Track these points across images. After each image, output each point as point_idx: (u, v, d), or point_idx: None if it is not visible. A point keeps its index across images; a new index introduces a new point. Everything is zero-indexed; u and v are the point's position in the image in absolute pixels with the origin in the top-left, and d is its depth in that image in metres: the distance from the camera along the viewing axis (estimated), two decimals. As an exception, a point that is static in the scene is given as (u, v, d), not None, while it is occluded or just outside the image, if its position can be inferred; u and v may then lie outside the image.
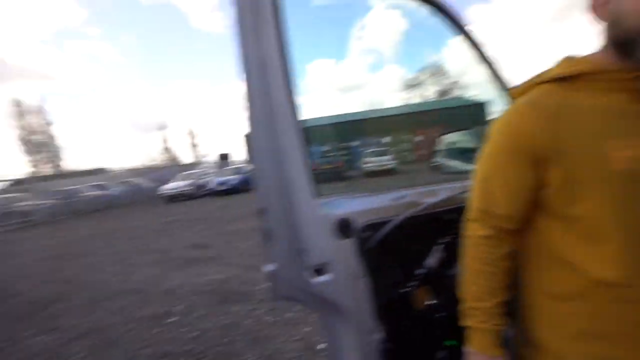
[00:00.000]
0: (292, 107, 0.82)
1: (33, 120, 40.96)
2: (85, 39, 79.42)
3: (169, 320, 2.96)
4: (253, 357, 2.31)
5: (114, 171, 24.54)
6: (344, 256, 0.86)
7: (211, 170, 19.09)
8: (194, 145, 56.40)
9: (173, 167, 24.92)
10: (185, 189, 14.98)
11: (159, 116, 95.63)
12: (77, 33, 77.65)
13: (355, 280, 0.87)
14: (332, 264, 0.84)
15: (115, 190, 17.78)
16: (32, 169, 37.08)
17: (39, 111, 41.74)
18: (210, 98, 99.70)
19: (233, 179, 15.24)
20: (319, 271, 0.82)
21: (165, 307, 3.27)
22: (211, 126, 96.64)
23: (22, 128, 40.06)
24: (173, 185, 15.45)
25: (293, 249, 0.82)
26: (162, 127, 54.37)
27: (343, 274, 0.85)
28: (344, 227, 0.86)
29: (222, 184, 15.07)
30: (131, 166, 31.51)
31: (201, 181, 16.15)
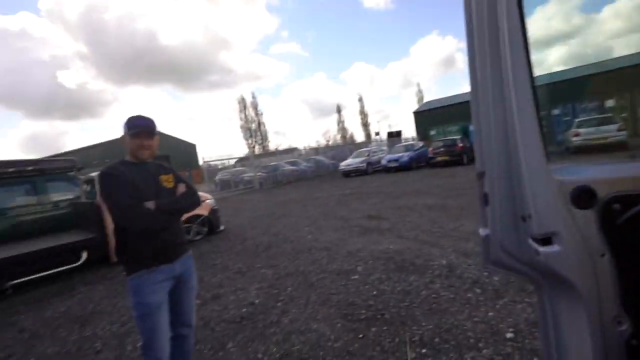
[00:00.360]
0: (526, 62, 0.74)
1: (250, 113, 53.87)
2: (279, 42, 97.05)
3: (353, 277, 3.38)
4: (430, 326, 2.34)
5: (302, 150, 29.36)
6: (580, 228, 0.73)
7: (383, 148, 19.79)
8: (366, 125, 59.67)
9: (348, 146, 27.38)
10: (359, 165, 16.23)
11: (335, 100, 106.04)
12: (273, 38, 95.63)
13: (593, 257, 0.73)
14: (563, 234, 0.72)
15: (303, 166, 21.36)
16: (248, 150, 49.41)
17: (254, 105, 54.35)
18: (379, 79, 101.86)
19: (403, 156, 15.29)
20: (544, 240, 0.73)
21: (348, 265, 3.75)
22: (380, 106, 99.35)
23: (243, 119, 53.57)
24: (349, 162, 17.05)
25: (515, 214, 0.76)
26: (338, 110, 60.06)
27: (577, 247, 0.72)
28: (585, 197, 0.72)
29: (392, 160, 15.39)
30: (315, 145, 36.88)
31: (373, 158, 17.05)
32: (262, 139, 53.86)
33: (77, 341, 2.86)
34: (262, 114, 54.10)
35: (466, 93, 36.03)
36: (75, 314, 3.46)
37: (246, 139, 53.37)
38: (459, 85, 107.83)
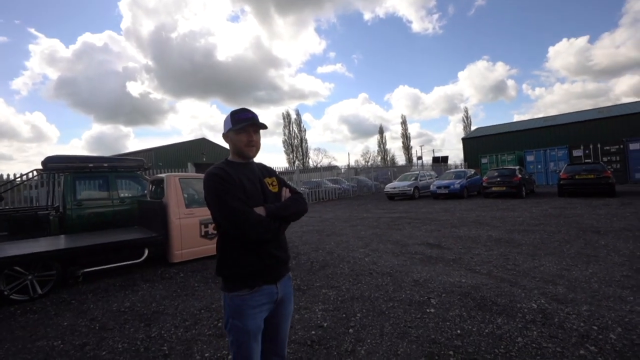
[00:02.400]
0: None
1: (293, 129, 55.31)
2: (326, 63, 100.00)
3: (428, 311, 3.07)
4: (543, 385, 1.97)
5: (342, 169, 29.23)
6: None
7: (428, 173, 19.09)
8: (407, 148, 58.56)
9: (391, 168, 26.83)
10: (406, 189, 15.70)
11: (377, 121, 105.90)
12: (320, 59, 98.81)
13: None
14: None
15: (345, 184, 21.19)
16: (287, 164, 50.38)
17: (297, 122, 55.79)
18: (425, 101, 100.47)
19: (454, 182, 14.56)
20: None
21: (419, 296, 3.43)
22: (422, 130, 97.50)
23: (287, 134, 55.05)
24: (395, 184, 16.58)
25: None
26: (380, 131, 59.74)
27: None
28: None
29: (442, 187, 14.71)
30: (354, 164, 36.69)
31: (421, 183, 16.45)
32: (302, 155, 54.93)
33: (145, 341, 2.83)
34: (305, 131, 55.46)
35: (521, 121, 33.96)
36: (140, 311, 3.48)
37: (288, 154, 54.71)
38: (507, 112, 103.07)
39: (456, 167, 31.54)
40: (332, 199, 19.03)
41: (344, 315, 3.10)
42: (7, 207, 7.70)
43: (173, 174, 5.62)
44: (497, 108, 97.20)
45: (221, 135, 1.60)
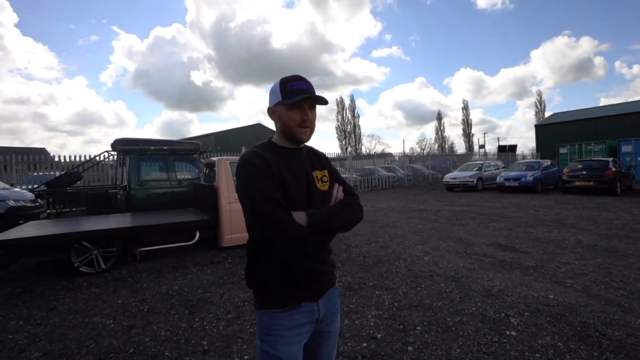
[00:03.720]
0: None
1: (347, 114, 54.47)
2: (381, 46, 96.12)
3: (508, 334, 2.49)
4: None
5: (396, 156, 27.91)
6: None
7: (494, 163, 17.25)
8: (468, 136, 54.33)
9: (451, 157, 24.95)
10: (468, 180, 14.35)
11: (434, 107, 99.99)
12: (376, 42, 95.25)
13: None
14: None
15: (400, 173, 20.17)
16: (340, 151, 49.90)
17: (351, 108, 54.78)
18: (490, 85, 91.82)
19: (526, 174, 12.90)
20: None
21: (494, 311, 2.84)
22: (485, 116, 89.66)
23: (340, 120, 54.43)
24: (455, 175, 15.27)
25: None
26: (439, 117, 56.13)
27: None
28: None
29: (511, 179, 13.14)
30: (409, 152, 35.00)
31: (486, 173, 14.92)
32: (356, 142, 53.97)
33: (187, 331, 2.71)
34: (358, 117, 54.31)
35: (613, 105, 29.27)
36: (187, 297, 3.42)
37: (340, 140, 54.21)
38: (592, 96, 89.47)
39: (524, 157, 28.30)
40: (386, 188, 18.27)
41: (400, 326, 2.66)
42: (86, 185, 8.49)
43: (224, 157, 5.58)
44: (578, 91, 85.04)
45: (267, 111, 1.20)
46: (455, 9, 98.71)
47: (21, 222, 5.79)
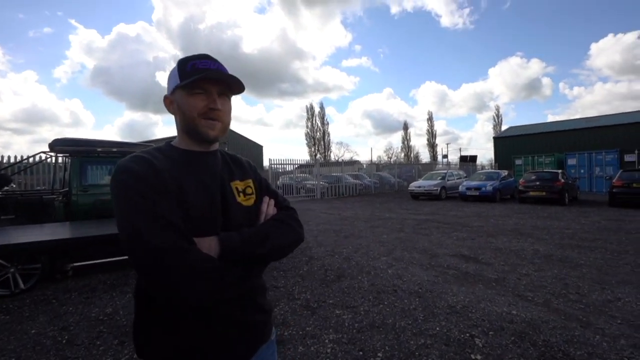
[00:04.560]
0: None
1: (316, 122, 54.70)
2: (351, 56, 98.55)
3: (473, 358, 2.32)
4: None
5: (364, 164, 28.26)
6: None
7: (456, 172, 17.88)
8: (432, 146, 56.57)
9: (416, 166, 25.64)
10: (432, 188, 14.69)
11: (401, 117, 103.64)
12: (346, 52, 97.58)
13: None
14: None
15: (367, 181, 20.32)
16: (309, 157, 49.84)
17: (321, 115, 55.12)
18: (452, 98, 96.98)
19: (486, 184, 13.43)
20: None
21: (458, 331, 2.69)
22: (448, 127, 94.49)
23: (309, 127, 54.53)
24: (420, 183, 15.59)
25: None
26: (405, 127, 57.95)
27: None
28: None
29: (472, 188, 13.61)
30: (376, 160, 35.64)
31: (449, 183, 15.37)
32: (324, 149, 54.16)
33: (111, 367, 2.28)
34: (328, 124, 54.70)
35: (561, 121, 31.76)
36: (119, 322, 2.95)
37: (309, 147, 54.16)
38: (541, 112, 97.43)
39: (483, 167, 29.81)
40: (353, 195, 18.28)
41: (360, 352, 2.41)
42: (15, 190, 7.52)
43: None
44: (529, 107, 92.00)
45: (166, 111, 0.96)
46: (420, 25, 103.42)
47: None
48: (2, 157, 9.92)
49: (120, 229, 0.70)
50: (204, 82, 0.79)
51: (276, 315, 3.03)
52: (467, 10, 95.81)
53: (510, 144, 28.56)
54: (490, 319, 2.89)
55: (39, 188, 9.13)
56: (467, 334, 2.64)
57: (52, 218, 5.74)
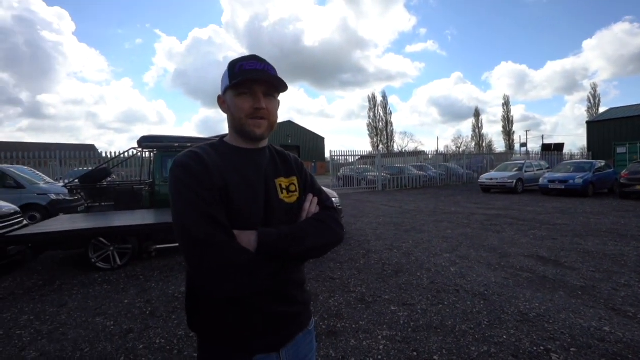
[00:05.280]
0: None
1: (379, 111, 53.37)
2: (416, 41, 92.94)
3: (547, 373, 2.05)
4: None
5: (429, 154, 26.76)
6: None
7: (536, 163, 15.88)
8: (509, 134, 51.11)
9: (488, 156, 23.47)
10: (507, 181, 13.30)
11: (471, 103, 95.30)
12: (410, 37, 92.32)
13: None
14: None
15: (432, 172, 19.25)
16: (372, 148, 48.96)
17: (383, 104, 53.60)
18: (534, 79, 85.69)
19: (575, 176, 11.70)
20: None
21: (530, 343, 2.40)
22: (527, 113, 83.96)
23: (372, 117, 53.46)
24: (492, 175, 14.23)
25: None
26: (476, 114, 53.35)
27: None
28: None
29: (557, 181, 11.97)
30: (443, 150, 33.51)
31: (527, 174, 13.76)
32: (387, 139, 52.69)
33: (182, 340, 2.55)
34: (391, 114, 53.11)
35: (685, 100, 26.06)
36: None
37: (372, 138, 53.26)
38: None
39: (572, 157, 25.91)
40: (416, 187, 17.52)
41: (414, 353, 2.30)
42: (114, 181, 8.83)
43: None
44: (638, 84, 76.77)
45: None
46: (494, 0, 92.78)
47: (61, 214, 6.09)
48: (105, 152, 11.79)
49: (173, 220, 0.77)
50: (250, 83, 0.82)
51: (330, 307, 3.07)
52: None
53: (611, 128, 24.25)
54: (572, 333, 2.52)
55: (132, 179, 10.63)
56: (542, 347, 2.34)
57: (141, 205, 6.62)
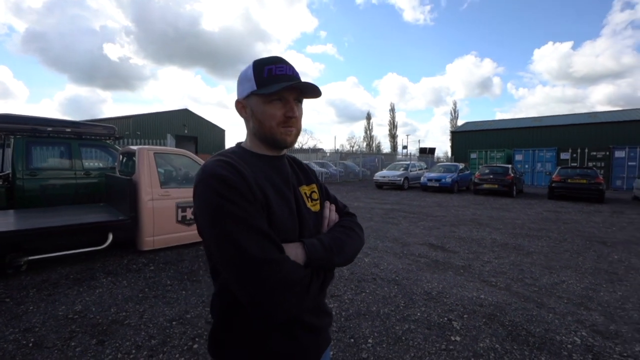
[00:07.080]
0: None
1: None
2: (316, 42, 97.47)
3: (453, 339, 2.53)
4: None
5: (327, 152, 28.49)
6: None
7: (417, 164, 18.73)
8: (393, 137, 58.40)
9: (379, 156, 26.40)
10: (396, 179, 15.28)
11: (363, 107, 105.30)
12: (311, 37, 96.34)
13: None
14: None
15: (332, 169, 20.57)
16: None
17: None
18: (412, 91, 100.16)
19: (446, 176, 14.25)
20: None
21: (437, 316, 2.90)
22: (407, 119, 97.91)
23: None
24: (385, 174, 16.12)
25: None
26: (368, 117, 59.07)
27: None
28: None
29: (433, 180, 14.36)
30: (339, 149, 36.13)
31: (411, 173, 16.06)
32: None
33: (94, 368, 2.15)
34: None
35: (511, 119, 34.16)
36: (94, 320, 2.77)
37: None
38: (491, 109, 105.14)
39: (438, 159, 31.45)
40: (319, 184, 18.41)
41: (352, 339, 2.51)
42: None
43: (147, 147, 4.78)
44: (481, 104, 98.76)
45: (233, 103, 0.86)
46: (384, 17, 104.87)
47: None
48: None
49: (214, 240, 0.68)
50: (282, 90, 0.77)
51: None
52: (428, 7, 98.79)
53: (467, 138, 30.39)
54: (463, 304, 3.15)
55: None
56: (445, 318, 2.86)
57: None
